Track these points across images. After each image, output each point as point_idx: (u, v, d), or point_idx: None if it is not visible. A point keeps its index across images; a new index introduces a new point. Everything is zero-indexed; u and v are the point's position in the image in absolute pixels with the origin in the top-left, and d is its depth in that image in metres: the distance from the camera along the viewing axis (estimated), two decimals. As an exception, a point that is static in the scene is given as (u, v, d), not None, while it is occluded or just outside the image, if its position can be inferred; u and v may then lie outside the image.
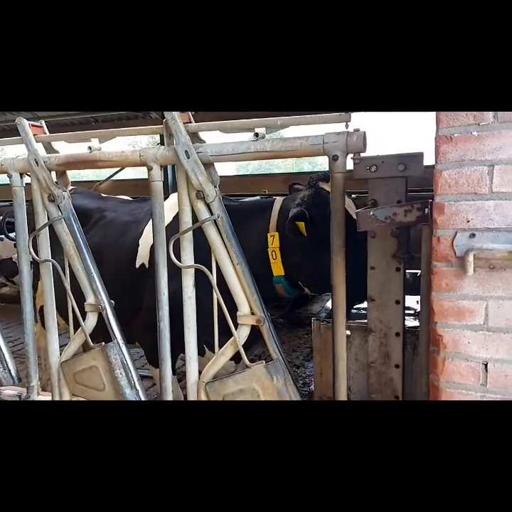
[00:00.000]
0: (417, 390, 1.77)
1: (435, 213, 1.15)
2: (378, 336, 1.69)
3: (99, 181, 8.18)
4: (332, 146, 1.59)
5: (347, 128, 1.60)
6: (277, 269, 2.13)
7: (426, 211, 1.25)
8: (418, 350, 1.51)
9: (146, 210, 2.60)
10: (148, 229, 2.46)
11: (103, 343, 2.04)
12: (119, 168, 7.16)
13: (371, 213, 1.33)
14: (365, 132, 1.58)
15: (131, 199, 3.04)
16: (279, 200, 2.27)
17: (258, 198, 4.87)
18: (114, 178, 7.91)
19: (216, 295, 1.81)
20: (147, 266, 2.39)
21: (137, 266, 2.42)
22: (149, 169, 1.85)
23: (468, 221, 1.12)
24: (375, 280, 1.66)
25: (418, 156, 1.54)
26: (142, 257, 2.42)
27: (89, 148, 1.95)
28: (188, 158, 1.74)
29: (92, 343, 2.07)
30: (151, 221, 2.49)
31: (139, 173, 7.07)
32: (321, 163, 6.82)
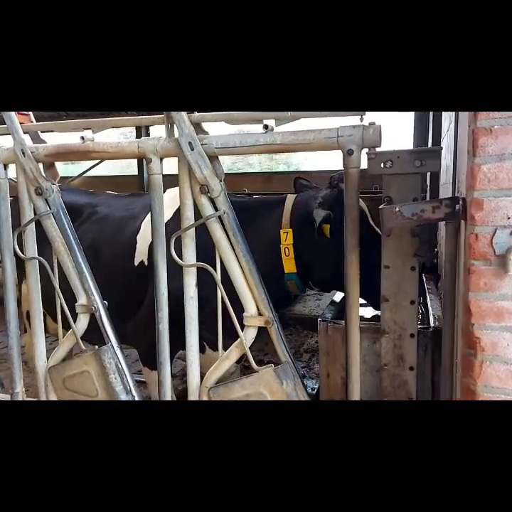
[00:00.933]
0: (429, 393, 1.73)
1: (473, 209, 1.09)
2: (392, 337, 1.63)
3: (71, 177, 7.91)
4: (347, 140, 1.52)
5: (362, 121, 1.53)
6: (290, 266, 2.09)
7: (456, 207, 1.20)
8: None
9: (142, 205, 2.49)
10: (145, 224, 2.35)
11: (96, 346, 1.92)
12: (95, 163, 6.94)
13: (397, 210, 1.26)
14: (380, 126, 1.51)
15: (122, 194, 2.91)
16: (290, 197, 2.23)
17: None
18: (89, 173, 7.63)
19: (221, 294, 1.72)
20: (146, 263, 2.28)
21: (136, 263, 2.31)
22: (148, 162, 1.73)
23: (508, 218, 1.07)
24: (389, 280, 1.59)
25: (436, 152, 1.49)
26: (141, 254, 2.31)
27: (82, 138, 1.82)
28: (192, 150, 1.64)
29: (83, 346, 1.95)
30: (148, 216, 2.41)
31: (117, 168, 6.88)
32: (297, 164, 6.80)
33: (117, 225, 2.47)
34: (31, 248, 1.99)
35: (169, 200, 2.09)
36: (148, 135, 5.53)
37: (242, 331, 1.71)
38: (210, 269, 1.69)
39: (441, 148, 1.48)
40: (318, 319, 1.89)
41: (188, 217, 1.73)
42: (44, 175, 1.89)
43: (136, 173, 6.71)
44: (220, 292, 1.71)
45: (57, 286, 1.96)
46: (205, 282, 1.78)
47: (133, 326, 2.30)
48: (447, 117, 2.34)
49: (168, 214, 1.95)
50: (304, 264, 2.11)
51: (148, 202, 2.53)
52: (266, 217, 2.18)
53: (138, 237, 2.35)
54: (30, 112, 1.95)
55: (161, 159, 1.75)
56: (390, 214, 1.27)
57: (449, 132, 1.99)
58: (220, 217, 1.70)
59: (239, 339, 1.74)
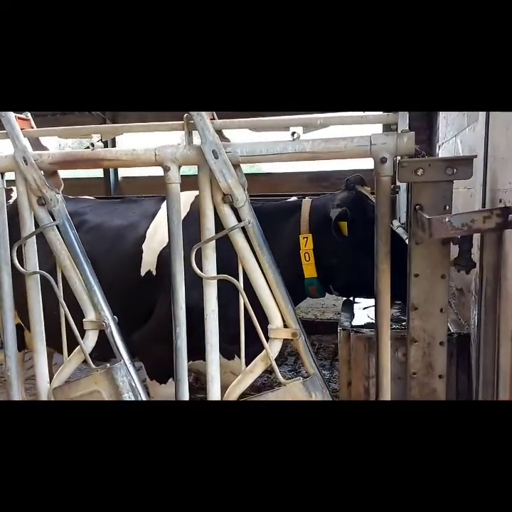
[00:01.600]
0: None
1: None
2: (421, 345, 1.63)
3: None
4: (380, 148, 1.50)
5: (396, 129, 1.52)
6: (310, 271, 2.09)
7: (510, 217, 1.20)
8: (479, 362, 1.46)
9: (141, 212, 2.39)
10: (151, 233, 2.26)
11: (107, 363, 1.82)
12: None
13: (447, 220, 1.25)
14: (413, 133, 1.50)
15: (107, 200, 2.79)
16: (306, 202, 2.22)
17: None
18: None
19: (244, 306, 1.66)
20: (155, 273, 2.19)
21: (143, 274, 2.21)
22: (167, 170, 1.65)
23: None
24: (418, 288, 1.59)
25: (468, 160, 1.49)
26: (148, 264, 2.21)
27: (92, 144, 1.72)
28: (217, 158, 1.57)
29: (93, 365, 1.84)
30: (152, 224, 2.31)
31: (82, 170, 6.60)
32: (259, 165, 6.80)
33: (115, 235, 2.36)
34: (32, 262, 1.87)
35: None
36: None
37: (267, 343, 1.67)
38: (234, 280, 1.64)
39: (475, 156, 1.48)
40: (338, 328, 1.86)
41: (209, 228, 1.66)
42: (48, 184, 1.77)
43: (101, 175, 6.52)
44: (244, 304, 1.65)
45: (62, 301, 1.84)
46: (218, 290, 1.73)
47: (140, 338, 2.20)
48: (450, 123, 2.37)
49: None
50: (325, 269, 2.12)
51: (147, 208, 2.47)
52: (283, 223, 2.17)
53: (144, 246, 2.25)
54: (30, 117, 1.81)
55: (179, 167, 1.67)
56: (440, 224, 1.25)
57: (461, 138, 2.02)
58: (243, 228, 1.64)
59: (263, 352, 1.69)
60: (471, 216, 1.26)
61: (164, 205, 2.43)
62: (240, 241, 1.66)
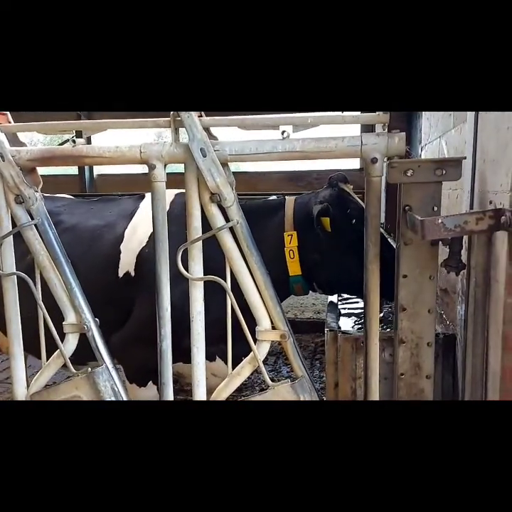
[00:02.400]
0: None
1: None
2: (409, 346, 1.63)
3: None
4: (371, 148, 1.49)
5: (385, 129, 1.51)
6: (295, 268, 2.09)
7: (502, 219, 1.20)
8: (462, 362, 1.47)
9: (118, 211, 2.32)
10: (130, 232, 2.20)
11: (89, 368, 1.76)
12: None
13: (439, 221, 1.25)
14: (404, 134, 1.50)
15: (83, 199, 2.71)
16: (290, 200, 2.21)
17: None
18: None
19: (231, 307, 1.63)
20: (133, 274, 2.13)
21: (121, 275, 2.15)
22: (152, 168, 1.60)
23: None
24: (407, 289, 1.58)
25: (457, 162, 1.50)
26: (127, 265, 2.15)
27: (74, 141, 1.65)
28: (205, 156, 1.54)
29: (73, 369, 1.78)
30: (131, 223, 2.25)
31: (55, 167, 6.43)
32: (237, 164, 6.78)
33: (91, 235, 2.29)
34: (9, 262, 1.79)
35: None
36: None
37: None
38: (222, 282, 1.60)
39: (465, 158, 1.48)
40: (326, 329, 1.85)
41: (196, 227, 1.63)
42: (26, 181, 1.70)
43: (76, 172, 6.38)
44: (232, 306, 1.62)
45: (41, 303, 1.77)
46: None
47: (118, 340, 2.14)
48: (432, 125, 2.38)
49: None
50: (309, 266, 2.12)
51: (125, 207, 2.40)
52: (267, 221, 2.15)
53: (122, 246, 2.19)
54: (8, 112, 1.74)
55: (165, 165, 1.63)
56: (433, 226, 1.25)
57: (446, 139, 2.03)
58: (231, 228, 1.61)
59: (251, 354, 1.66)
60: (463, 218, 1.26)
61: (143, 203, 2.38)
62: (228, 242, 1.62)
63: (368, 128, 4.61)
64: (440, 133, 2.14)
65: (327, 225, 2.06)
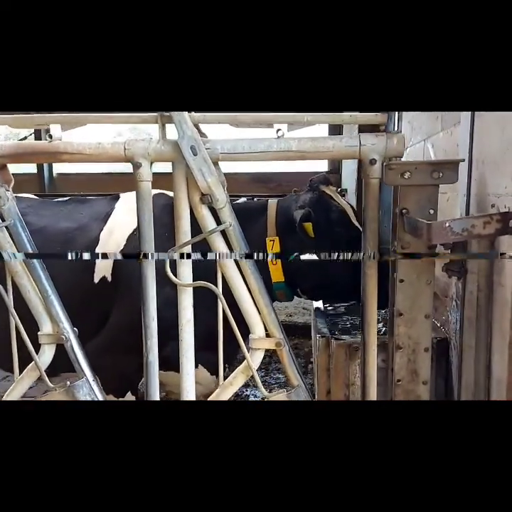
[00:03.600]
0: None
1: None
2: (406, 352, 1.59)
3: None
4: (370, 149, 1.44)
5: (384, 130, 1.46)
6: (277, 275, 2.00)
7: (511, 223, 1.17)
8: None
9: (91, 213, 2.19)
10: (105, 235, 2.07)
11: (68, 381, 1.64)
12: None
13: (447, 225, 1.21)
14: (404, 135, 1.46)
15: (49, 199, 2.54)
16: (272, 203, 2.12)
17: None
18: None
19: (222, 315, 1.55)
20: (110, 279, 2.00)
21: (96, 281, 2.02)
22: (137, 166, 1.50)
23: None
24: (404, 294, 1.55)
25: (454, 164, 1.47)
26: (103, 270, 2.02)
27: (50, 136, 1.53)
28: (195, 155, 1.45)
29: (50, 383, 1.65)
30: (107, 226, 2.13)
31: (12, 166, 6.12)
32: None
33: (63, 239, 2.14)
34: (-24, 268, 1.64)
35: (130, 210, 1.90)
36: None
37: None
38: (214, 288, 1.52)
39: (463, 160, 1.46)
40: (317, 335, 1.80)
41: (185, 231, 1.53)
42: (-4, 180, 1.56)
43: (34, 170, 6.08)
44: (224, 313, 1.54)
45: (13, 311, 1.63)
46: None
47: (94, 348, 2.00)
48: (415, 128, 2.38)
49: (135, 222, 1.69)
50: (292, 272, 2.03)
51: (98, 209, 2.27)
52: (249, 225, 2.03)
53: (97, 250, 2.06)
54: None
55: (151, 163, 1.53)
56: (440, 230, 1.21)
57: (432, 142, 2.02)
58: (222, 231, 1.53)
59: (244, 363, 1.58)
60: (471, 221, 1.22)
61: (118, 204, 2.25)
62: (219, 245, 1.54)
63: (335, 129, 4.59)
64: (425, 136, 2.13)
65: (310, 231, 1.99)
